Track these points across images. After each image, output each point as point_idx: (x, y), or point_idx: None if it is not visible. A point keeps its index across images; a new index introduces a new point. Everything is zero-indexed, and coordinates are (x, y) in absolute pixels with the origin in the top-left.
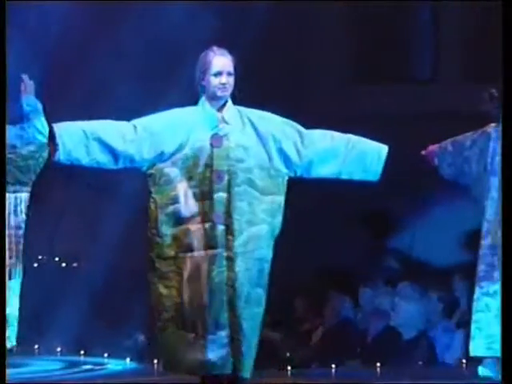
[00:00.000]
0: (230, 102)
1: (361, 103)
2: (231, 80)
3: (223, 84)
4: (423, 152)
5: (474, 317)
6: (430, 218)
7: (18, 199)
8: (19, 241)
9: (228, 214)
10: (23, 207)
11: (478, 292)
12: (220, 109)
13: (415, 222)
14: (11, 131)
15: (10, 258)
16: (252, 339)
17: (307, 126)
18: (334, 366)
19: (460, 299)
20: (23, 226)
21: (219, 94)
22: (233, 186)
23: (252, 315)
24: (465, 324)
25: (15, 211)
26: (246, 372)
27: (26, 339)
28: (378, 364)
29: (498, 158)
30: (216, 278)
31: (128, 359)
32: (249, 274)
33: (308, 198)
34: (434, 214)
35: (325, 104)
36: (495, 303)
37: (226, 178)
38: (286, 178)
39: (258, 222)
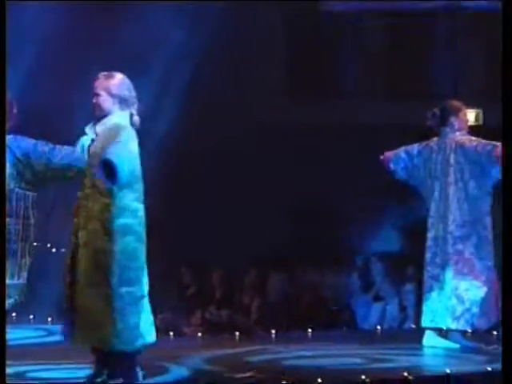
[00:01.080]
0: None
1: (295, 115)
2: (98, 100)
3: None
4: (381, 157)
5: (423, 296)
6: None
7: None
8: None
9: None
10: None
11: (425, 275)
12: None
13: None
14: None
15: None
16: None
17: (246, 135)
18: (273, 331)
19: (376, 278)
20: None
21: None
22: None
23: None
24: (379, 298)
25: (28, 207)
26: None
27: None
28: (310, 329)
29: (439, 166)
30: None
31: None
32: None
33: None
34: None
35: (262, 115)
36: (438, 284)
37: None
38: None
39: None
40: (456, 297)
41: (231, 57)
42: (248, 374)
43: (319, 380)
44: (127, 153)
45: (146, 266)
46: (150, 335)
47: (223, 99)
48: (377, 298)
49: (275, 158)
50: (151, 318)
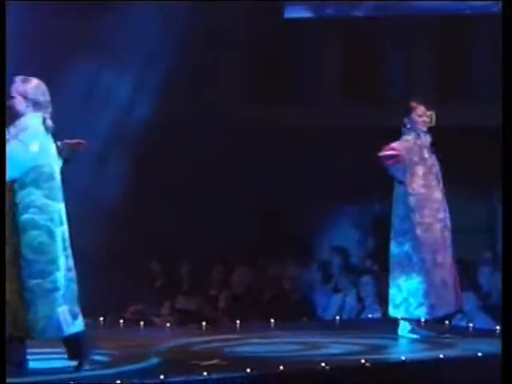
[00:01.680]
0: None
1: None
2: (13, 102)
3: None
4: (380, 154)
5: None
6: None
7: None
8: None
9: None
10: None
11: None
12: None
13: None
14: None
15: None
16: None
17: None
18: (238, 321)
19: (334, 271)
20: None
21: None
22: None
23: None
24: (338, 290)
25: None
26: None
27: None
28: (272, 320)
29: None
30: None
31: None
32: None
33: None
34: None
35: (228, 116)
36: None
37: None
38: None
39: None
40: (396, 286)
41: (195, 58)
42: (213, 362)
43: (281, 367)
44: (24, 152)
45: (60, 260)
46: (67, 326)
47: (191, 99)
48: (336, 290)
49: (240, 156)
50: (71, 308)
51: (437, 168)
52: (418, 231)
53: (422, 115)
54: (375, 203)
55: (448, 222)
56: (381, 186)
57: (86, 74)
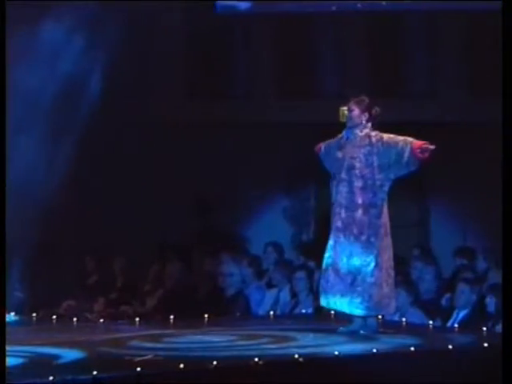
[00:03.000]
0: None
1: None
2: None
3: None
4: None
5: None
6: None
7: None
8: None
9: None
10: None
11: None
12: None
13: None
14: None
15: None
16: None
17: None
18: (172, 316)
19: (268, 266)
20: None
21: None
22: None
23: None
24: (272, 285)
25: None
26: None
27: None
28: (206, 315)
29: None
30: None
31: (12, 313)
32: None
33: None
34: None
35: (163, 113)
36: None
37: None
38: None
39: None
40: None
41: (132, 57)
42: (147, 357)
43: (214, 363)
44: None
45: None
46: None
47: (125, 99)
48: (270, 285)
49: (175, 152)
50: None
51: None
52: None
53: (360, 110)
54: (311, 198)
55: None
56: (316, 180)
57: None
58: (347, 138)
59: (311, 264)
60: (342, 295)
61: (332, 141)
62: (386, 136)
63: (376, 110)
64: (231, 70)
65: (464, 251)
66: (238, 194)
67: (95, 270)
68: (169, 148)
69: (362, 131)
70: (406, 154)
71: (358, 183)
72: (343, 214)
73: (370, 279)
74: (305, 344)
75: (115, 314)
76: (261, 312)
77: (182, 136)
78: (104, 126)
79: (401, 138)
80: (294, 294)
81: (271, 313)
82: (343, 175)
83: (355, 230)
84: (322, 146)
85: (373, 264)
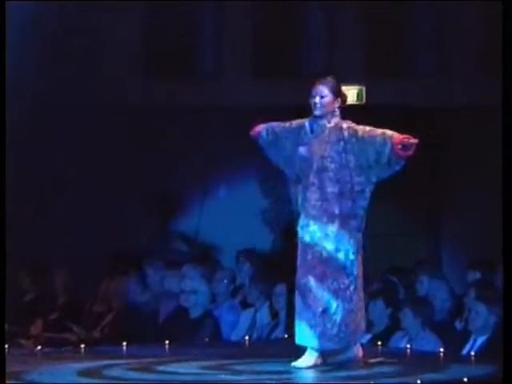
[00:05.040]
0: None
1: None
2: None
3: None
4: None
5: None
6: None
7: None
8: None
9: None
10: None
11: None
12: None
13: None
14: None
15: None
16: None
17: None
18: (124, 343)
19: (244, 280)
20: None
21: None
22: None
23: None
24: (248, 304)
25: None
26: None
27: None
28: (167, 341)
29: None
30: None
31: None
32: None
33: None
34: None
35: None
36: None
37: None
38: None
39: None
40: None
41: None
42: None
43: None
44: None
45: None
46: None
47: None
48: (245, 304)
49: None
50: None
51: None
52: None
53: (314, 96)
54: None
55: None
56: None
57: None
58: (312, 131)
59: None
60: (311, 326)
61: (277, 126)
62: (360, 129)
63: (345, 95)
64: (201, 49)
65: (480, 263)
66: (204, 193)
67: (32, 287)
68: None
69: (330, 122)
70: (387, 153)
71: (334, 189)
72: (312, 227)
73: (348, 305)
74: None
75: (56, 339)
76: (234, 337)
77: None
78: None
79: (379, 131)
80: (274, 314)
81: (246, 338)
82: (312, 179)
83: (330, 246)
84: (263, 129)
85: (352, 287)
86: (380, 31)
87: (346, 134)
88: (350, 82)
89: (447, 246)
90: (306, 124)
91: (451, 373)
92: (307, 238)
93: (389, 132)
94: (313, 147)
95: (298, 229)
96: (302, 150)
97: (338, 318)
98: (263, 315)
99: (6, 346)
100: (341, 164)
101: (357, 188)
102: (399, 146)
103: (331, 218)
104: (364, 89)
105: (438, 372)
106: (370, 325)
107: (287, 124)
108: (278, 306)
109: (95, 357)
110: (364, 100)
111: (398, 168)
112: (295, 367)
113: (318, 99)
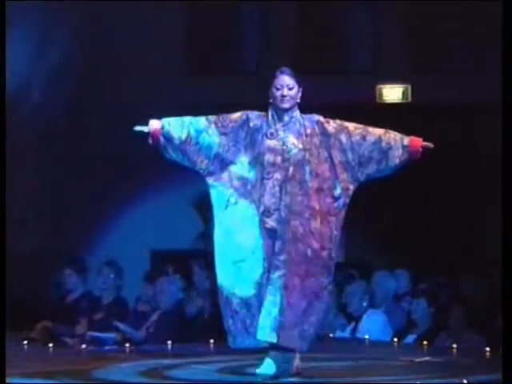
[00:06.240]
0: None
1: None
2: None
3: None
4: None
5: None
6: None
7: None
8: None
9: None
10: None
11: None
12: None
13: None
14: None
15: None
16: None
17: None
18: (170, 342)
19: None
20: None
21: None
22: None
23: None
24: None
25: None
26: None
27: None
28: (212, 340)
29: None
30: None
31: None
32: None
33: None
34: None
35: (165, 93)
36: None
37: None
38: None
39: None
40: None
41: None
42: None
43: None
44: None
45: None
46: None
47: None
48: None
49: None
50: None
51: None
52: None
53: (281, 88)
54: None
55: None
56: None
57: None
58: (284, 124)
59: None
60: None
61: (224, 119)
62: (350, 125)
63: (303, 86)
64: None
65: None
66: None
67: (77, 285)
68: None
69: (297, 114)
70: (398, 153)
71: (313, 183)
72: (294, 222)
73: (324, 306)
74: None
75: (101, 338)
76: None
77: None
78: None
79: (377, 129)
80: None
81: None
82: (292, 172)
83: (315, 244)
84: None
85: (330, 287)
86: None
87: (328, 127)
88: (395, 80)
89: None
90: (273, 115)
91: (497, 372)
92: (289, 234)
93: (394, 132)
94: (287, 139)
95: (274, 223)
96: (272, 142)
97: (314, 318)
98: None
99: (51, 344)
100: (319, 158)
101: (342, 185)
102: (419, 149)
103: (312, 214)
104: (410, 87)
105: (484, 372)
106: (413, 324)
107: (226, 120)
108: None
109: (141, 357)
110: (409, 98)
111: (396, 169)
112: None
113: (286, 91)
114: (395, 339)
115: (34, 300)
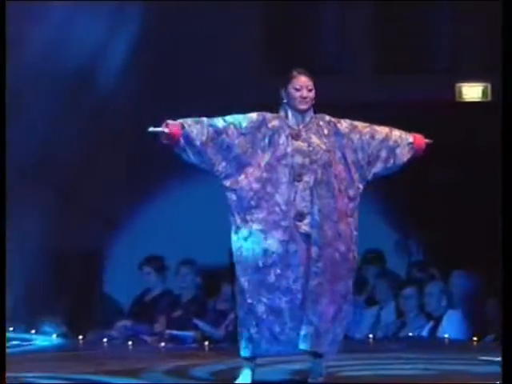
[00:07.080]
0: None
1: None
2: None
3: None
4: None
5: None
6: None
7: None
8: None
9: None
10: None
11: None
12: None
13: None
14: None
15: None
16: None
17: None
18: None
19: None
20: None
21: None
22: None
23: None
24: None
25: None
26: None
27: None
28: None
29: None
30: None
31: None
32: None
33: None
34: None
35: (240, 92)
36: None
37: None
38: None
39: None
40: None
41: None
42: None
43: None
44: None
45: None
46: None
47: None
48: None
49: None
50: None
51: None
52: None
53: (300, 89)
54: None
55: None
56: None
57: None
58: (305, 124)
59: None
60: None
61: (248, 120)
62: (359, 124)
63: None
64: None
65: None
66: None
67: (156, 283)
68: None
69: (313, 115)
70: (405, 150)
71: (336, 185)
72: (326, 226)
73: (351, 308)
74: None
75: (180, 336)
76: (358, 335)
77: None
78: None
79: (382, 128)
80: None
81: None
82: (320, 175)
83: (342, 247)
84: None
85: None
86: None
87: (343, 128)
88: (475, 79)
89: None
90: (292, 117)
91: None
92: (323, 239)
93: (399, 130)
94: (311, 140)
95: (308, 228)
96: (298, 144)
97: (345, 322)
98: (388, 313)
99: (130, 342)
100: (335, 159)
101: (355, 185)
102: (423, 146)
103: (339, 217)
104: (489, 86)
105: None
106: (490, 324)
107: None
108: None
109: (220, 356)
110: (489, 97)
111: (403, 167)
112: None
113: (306, 92)
114: (474, 338)
115: (114, 299)
